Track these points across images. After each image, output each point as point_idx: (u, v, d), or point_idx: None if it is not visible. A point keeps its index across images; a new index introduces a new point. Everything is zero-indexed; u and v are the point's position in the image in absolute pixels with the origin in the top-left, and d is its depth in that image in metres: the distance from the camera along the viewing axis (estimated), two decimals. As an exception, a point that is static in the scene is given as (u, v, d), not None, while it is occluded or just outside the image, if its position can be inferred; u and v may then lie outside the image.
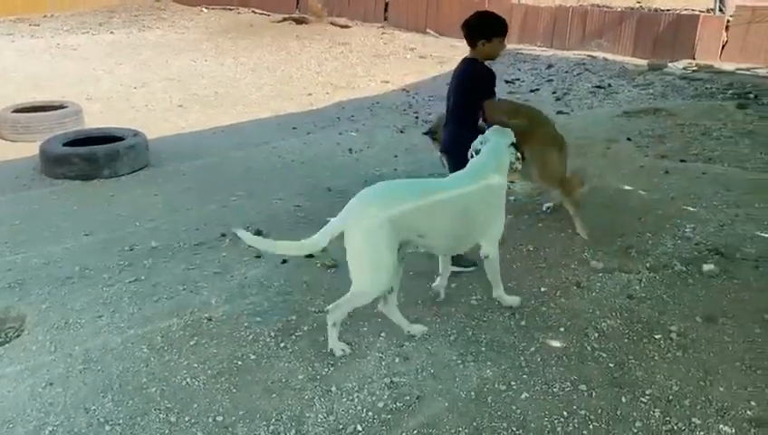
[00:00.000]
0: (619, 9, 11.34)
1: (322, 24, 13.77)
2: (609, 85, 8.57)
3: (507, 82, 8.98)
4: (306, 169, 5.44)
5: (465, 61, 3.54)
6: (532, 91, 8.48)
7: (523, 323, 3.13)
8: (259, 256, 3.79)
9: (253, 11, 16.22)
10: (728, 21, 9.33)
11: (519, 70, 9.76)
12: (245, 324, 3.11)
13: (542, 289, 3.45)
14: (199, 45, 12.33)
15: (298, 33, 13.12)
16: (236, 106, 8.11)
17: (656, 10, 11.08)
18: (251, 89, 9.06)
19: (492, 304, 3.29)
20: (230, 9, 16.36)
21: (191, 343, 2.98)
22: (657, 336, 2.99)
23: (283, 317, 3.17)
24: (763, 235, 3.99)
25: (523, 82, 9.00)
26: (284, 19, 14.54)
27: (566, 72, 9.45)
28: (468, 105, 3.48)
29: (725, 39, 9.31)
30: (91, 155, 5.27)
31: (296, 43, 12.36)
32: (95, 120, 6.99)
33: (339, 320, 2.86)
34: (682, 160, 5.45)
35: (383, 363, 2.81)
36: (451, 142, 3.59)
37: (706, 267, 3.58)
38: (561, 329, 3.07)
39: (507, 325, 3.11)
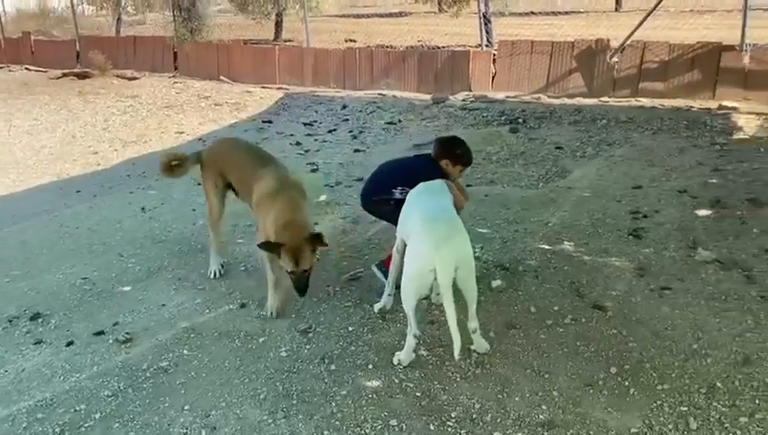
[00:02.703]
0: (402, 48, 12.10)
1: (107, 77, 12.97)
2: (400, 121, 9.04)
3: (306, 124, 9.11)
4: (93, 235, 5.01)
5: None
6: (330, 131, 8.67)
7: (332, 367, 3.12)
8: (39, 342, 3.39)
9: (26, 68, 14.89)
10: (494, 54, 10.38)
11: (316, 112, 9.96)
12: (24, 425, 2.74)
13: (350, 328, 3.47)
14: (-39, 109, 10.99)
15: (80, 89, 12.22)
16: (9, 174, 7.29)
17: (435, 48, 11.97)
18: (27, 153, 8.22)
19: (302, 352, 3.25)
20: (-1, 67, 14.88)
21: (-45, 460, 2.56)
22: (457, 357, 3.14)
23: (70, 408, 2.84)
24: (540, 246, 4.40)
25: (320, 123, 9.18)
26: (64, 75, 13.48)
27: (360, 111, 9.82)
28: None
29: (494, 71, 10.32)
30: None
31: (79, 99, 11.50)
32: None
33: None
34: (468, 185, 5.85)
35: (188, 439, 2.63)
36: None
37: (495, 283, 3.85)
38: (370, 366, 3.11)
39: (317, 372, 3.08)
